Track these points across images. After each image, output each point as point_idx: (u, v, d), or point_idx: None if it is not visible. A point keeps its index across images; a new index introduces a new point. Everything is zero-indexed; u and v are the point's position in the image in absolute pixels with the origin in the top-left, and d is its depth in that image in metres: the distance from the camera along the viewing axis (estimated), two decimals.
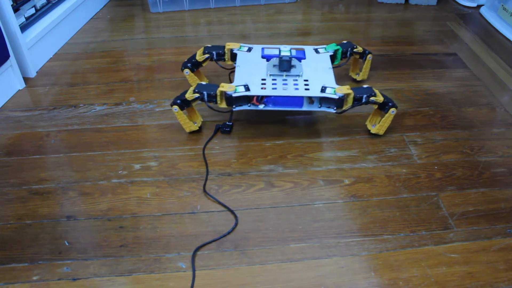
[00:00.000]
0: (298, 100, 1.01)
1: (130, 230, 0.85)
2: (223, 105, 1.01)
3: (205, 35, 1.57)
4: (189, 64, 1.16)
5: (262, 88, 1.00)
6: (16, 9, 1.29)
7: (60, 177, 0.97)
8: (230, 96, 0.99)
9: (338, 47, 1.17)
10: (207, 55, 1.15)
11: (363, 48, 1.21)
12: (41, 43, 1.38)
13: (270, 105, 1.01)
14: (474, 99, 1.23)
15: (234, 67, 1.11)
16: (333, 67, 1.11)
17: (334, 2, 1.85)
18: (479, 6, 1.79)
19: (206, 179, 0.96)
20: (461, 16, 1.74)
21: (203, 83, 1.03)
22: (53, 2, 1.47)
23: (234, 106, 1.00)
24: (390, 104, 1.02)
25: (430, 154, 1.04)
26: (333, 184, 0.96)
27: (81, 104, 1.21)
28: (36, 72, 1.36)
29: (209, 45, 1.18)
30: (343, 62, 1.20)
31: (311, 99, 1.01)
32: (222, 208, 0.90)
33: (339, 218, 0.88)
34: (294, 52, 1.14)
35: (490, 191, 0.94)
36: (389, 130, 1.11)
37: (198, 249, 0.81)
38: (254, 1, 1.81)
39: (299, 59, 1.12)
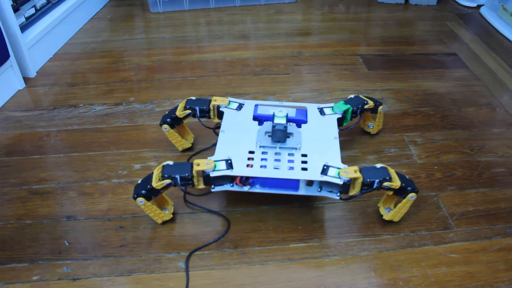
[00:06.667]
0: (293, 182, 0.80)
1: (130, 230, 0.85)
2: (201, 186, 0.81)
3: (205, 35, 1.57)
4: (168, 119, 0.95)
5: (248, 165, 0.80)
6: (16, 9, 1.29)
7: (60, 177, 0.97)
8: (208, 175, 0.79)
9: (348, 106, 0.95)
10: (188, 111, 0.94)
11: (374, 101, 1.01)
12: (41, 43, 1.38)
13: (258, 187, 0.80)
14: (474, 99, 1.23)
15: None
16: (340, 130, 0.91)
17: (334, 2, 1.85)
18: (479, 6, 1.79)
19: (186, 193, 0.91)
20: (461, 16, 1.74)
21: (170, 163, 0.80)
22: (53, 2, 1.47)
23: (213, 187, 0.81)
24: (409, 188, 0.81)
25: (430, 154, 1.04)
26: None
27: (81, 104, 1.21)
28: (36, 72, 1.36)
29: (194, 98, 0.96)
30: (354, 124, 1.00)
31: (309, 180, 0.81)
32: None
33: (339, 218, 0.88)
34: (294, 112, 0.92)
35: (490, 191, 0.94)
36: (389, 130, 1.11)
37: (192, 252, 0.81)
38: (254, 1, 1.81)
39: (299, 123, 0.90)
